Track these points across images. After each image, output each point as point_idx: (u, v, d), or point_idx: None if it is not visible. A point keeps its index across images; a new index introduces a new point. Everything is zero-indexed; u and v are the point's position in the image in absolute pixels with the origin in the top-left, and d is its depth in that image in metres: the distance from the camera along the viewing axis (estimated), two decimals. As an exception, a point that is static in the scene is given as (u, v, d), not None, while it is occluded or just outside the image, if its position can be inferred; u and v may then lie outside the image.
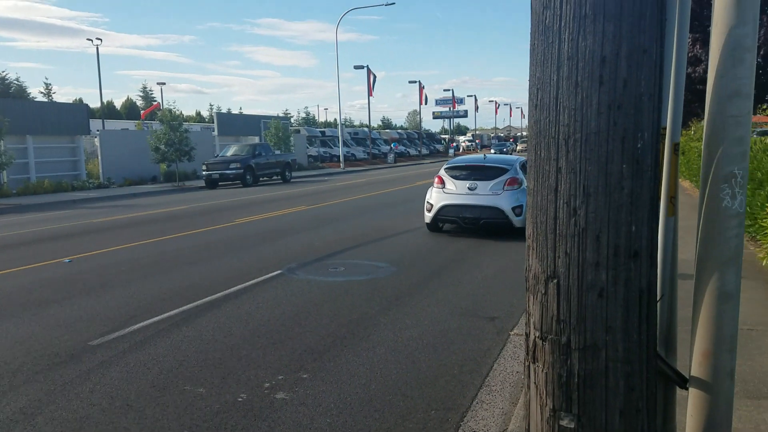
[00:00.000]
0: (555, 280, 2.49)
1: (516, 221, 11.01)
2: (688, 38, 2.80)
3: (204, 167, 28.22)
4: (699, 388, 2.75)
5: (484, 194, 11.36)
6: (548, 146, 2.46)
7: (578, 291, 2.44)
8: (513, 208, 11.08)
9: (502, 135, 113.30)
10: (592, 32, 2.32)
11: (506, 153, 55.96)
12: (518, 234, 10.90)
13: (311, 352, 5.43)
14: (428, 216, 11.97)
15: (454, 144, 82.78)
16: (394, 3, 56.08)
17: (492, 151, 59.20)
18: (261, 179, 29.96)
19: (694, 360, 2.77)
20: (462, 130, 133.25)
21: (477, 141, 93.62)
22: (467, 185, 11.58)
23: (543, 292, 2.54)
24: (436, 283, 7.86)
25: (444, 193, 11.75)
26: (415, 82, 68.38)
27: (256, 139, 41.64)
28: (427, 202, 12.03)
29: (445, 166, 12.52)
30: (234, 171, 27.63)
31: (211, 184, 27.91)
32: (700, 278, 2.72)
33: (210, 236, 12.34)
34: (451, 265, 8.97)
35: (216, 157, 30.60)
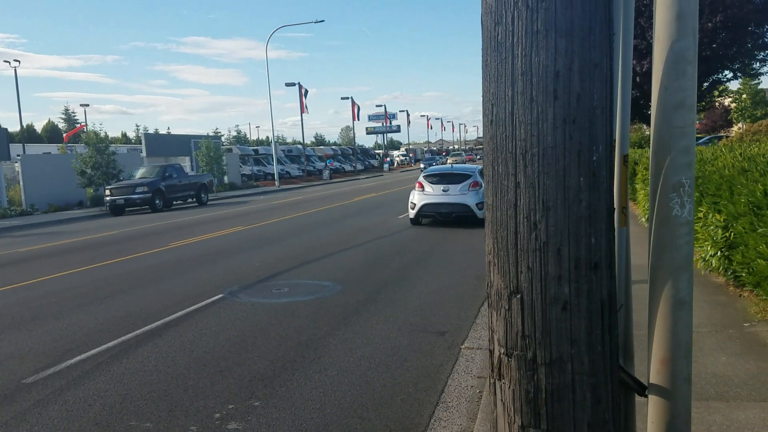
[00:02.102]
0: (518, 296, 2.47)
1: (479, 214, 14.39)
2: (632, 52, 2.87)
3: (107, 192, 25.75)
4: (658, 395, 2.79)
5: (455, 194, 14.71)
6: (506, 161, 2.45)
7: (542, 305, 2.43)
8: (476, 204, 14.52)
9: (434, 149, 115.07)
10: (544, 47, 2.34)
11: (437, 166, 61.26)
12: (479, 224, 14.23)
13: (261, 378, 5.26)
14: (412, 213, 15.18)
15: (389, 159, 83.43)
16: (323, 21, 56.35)
17: (422, 165, 62.53)
18: (175, 203, 28.10)
19: (652, 367, 2.81)
20: (395, 145, 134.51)
21: (411, 155, 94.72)
22: (441, 188, 14.88)
23: (506, 307, 2.52)
24: (383, 300, 7.80)
25: (424, 194, 15.01)
26: (348, 98, 68.68)
27: (187, 160, 40.61)
28: (411, 202, 15.28)
29: (423, 174, 15.81)
30: (141, 195, 25.26)
31: (116, 210, 25.43)
32: (654, 286, 2.77)
33: (145, 261, 11.88)
34: (396, 281, 8.94)
35: (121, 180, 28.02)
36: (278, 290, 8.69)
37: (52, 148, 53.38)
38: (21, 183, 28.13)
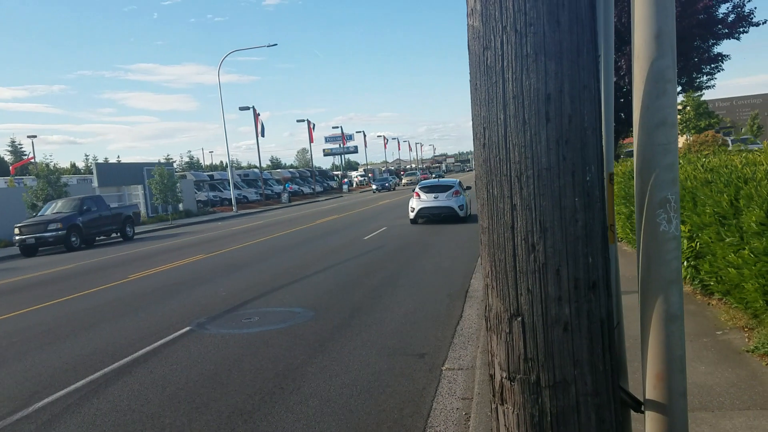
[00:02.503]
0: (519, 318, 2.46)
1: (460, 213, 20.16)
2: (613, 72, 2.92)
3: (16, 231, 23.16)
4: (655, 411, 2.80)
5: (442, 200, 20.29)
6: (501, 184, 2.45)
7: (543, 327, 2.42)
8: (458, 207, 20.17)
9: (393, 168, 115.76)
10: (535, 71, 2.35)
11: (388, 187, 65.14)
12: (461, 221, 20.22)
13: (240, 413, 5.11)
14: (411, 215, 20.77)
15: (347, 180, 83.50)
16: (276, 44, 56.41)
17: (374, 187, 64.74)
18: (97, 239, 25.79)
19: (648, 383, 2.82)
20: (353, 166, 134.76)
21: (370, 175, 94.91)
22: (432, 196, 20.59)
23: (507, 331, 2.50)
24: (358, 324, 7.72)
25: (420, 201, 20.61)
26: (303, 120, 68.62)
27: (140, 188, 39.76)
28: (411, 207, 20.90)
29: (418, 186, 21.61)
30: (54, 233, 22.57)
31: (28, 251, 22.89)
32: (646, 301, 2.80)
33: (106, 295, 11.50)
34: (369, 304, 8.87)
35: (34, 216, 25.30)
36: (248, 320, 8.52)
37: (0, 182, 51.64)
38: (-33, 218, 27.05)
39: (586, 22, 2.39)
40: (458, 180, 22.84)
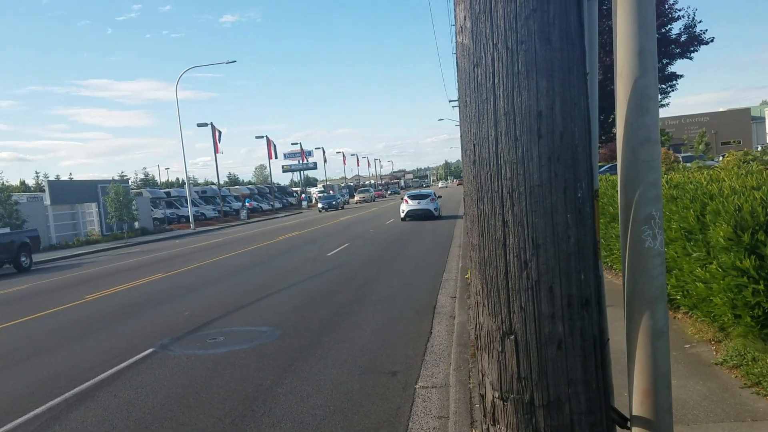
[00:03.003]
0: (512, 336, 2.43)
1: (435, 214, 29.54)
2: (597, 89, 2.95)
3: None
4: (642, 427, 2.80)
5: (423, 205, 29.61)
6: (492, 201, 2.43)
7: (537, 345, 2.40)
8: (434, 209, 29.70)
9: (351, 185, 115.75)
10: (526, 88, 2.35)
11: (335, 206, 56.82)
12: (435, 218, 29.27)
13: (211, 438, 4.94)
14: (402, 214, 29.91)
15: (305, 196, 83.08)
16: (235, 61, 55.99)
17: (320, 206, 57.24)
18: None
19: (634, 399, 2.83)
20: (312, 182, 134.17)
21: (330, 191, 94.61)
22: (416, 202, 29.96)
23: (499, 349, 2.47)
24: (327, 342, 7.60)
25: (408, 205, 29.82)
26: (262, 137, 68.04)
27: (94, 206, 38.66)
28: (401, 209, 30.17)
29: (406, 195, 31.74)
30: None
31: None
32: (632, 318, 2.81)
33: (63, 317, 11.07)
34: (336, 321, 8.76)
35: None
36: (213, 340, 8.30)
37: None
38: None
39: (576, 40, 2.40)
40: (433, 191, 33.80)
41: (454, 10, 2.55)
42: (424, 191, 34.60)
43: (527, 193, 2.37)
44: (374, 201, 77.39)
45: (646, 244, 2.77)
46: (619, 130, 2.83)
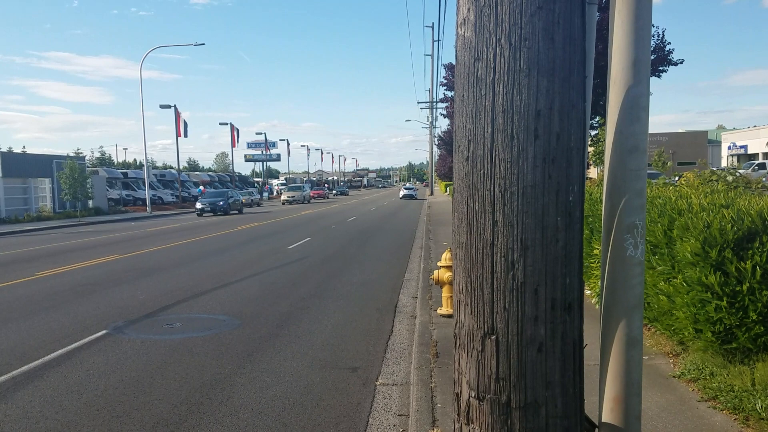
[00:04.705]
0: (493, 336, 2.40)
1: (416, 197, 61.69)
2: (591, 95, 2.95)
3: None
4: (610, 433, 2.82)
5: (410, 191, 63.27)
6: (483, 199, 2.40)
7: (518, 347, 2.37)
8: (414, 194, 62.64)
9: (314, 179, 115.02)
10: (527, 86, 2.32)
11: (223, 207, 38.77)
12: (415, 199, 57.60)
13: (165, 424, 4.79)
14: (400, 195, 62.86)
15: (268, 186, 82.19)
16: (203, 44, 54.84)
17: (198, 205, 38.73)
18: None
19: (605, 405, 2.84)
20: (274, 174, 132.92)
21: (291, 184, 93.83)
22: (407, 190, 63.83)
23: (479, 349, 2.44)
24: (287, 335, 7.49)
25: (404, 191, 63.58)
26: (226, 123, 67.08)
27: (47, 182, 37.40)
28: (400, 193, 63.85)
29: (402, 186, 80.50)
30: None
31: None
32: (608, 325, 2.82)
33: (11, 293, 10.66)
34: (298, 314, 8.64)
35: None
36: (170, 325, 8.10)
37: None
38: None
39: (578, 42, 2.39)
40: (414, 186, 63.96)
41: (457, 1, 2.51)
42: (409, 185, 69.32)
43: (519, 194, 2.34)
44: (308, 203, 58.49)
45: (627, 252, 2.78)
46: (609, 138, 2.83)
